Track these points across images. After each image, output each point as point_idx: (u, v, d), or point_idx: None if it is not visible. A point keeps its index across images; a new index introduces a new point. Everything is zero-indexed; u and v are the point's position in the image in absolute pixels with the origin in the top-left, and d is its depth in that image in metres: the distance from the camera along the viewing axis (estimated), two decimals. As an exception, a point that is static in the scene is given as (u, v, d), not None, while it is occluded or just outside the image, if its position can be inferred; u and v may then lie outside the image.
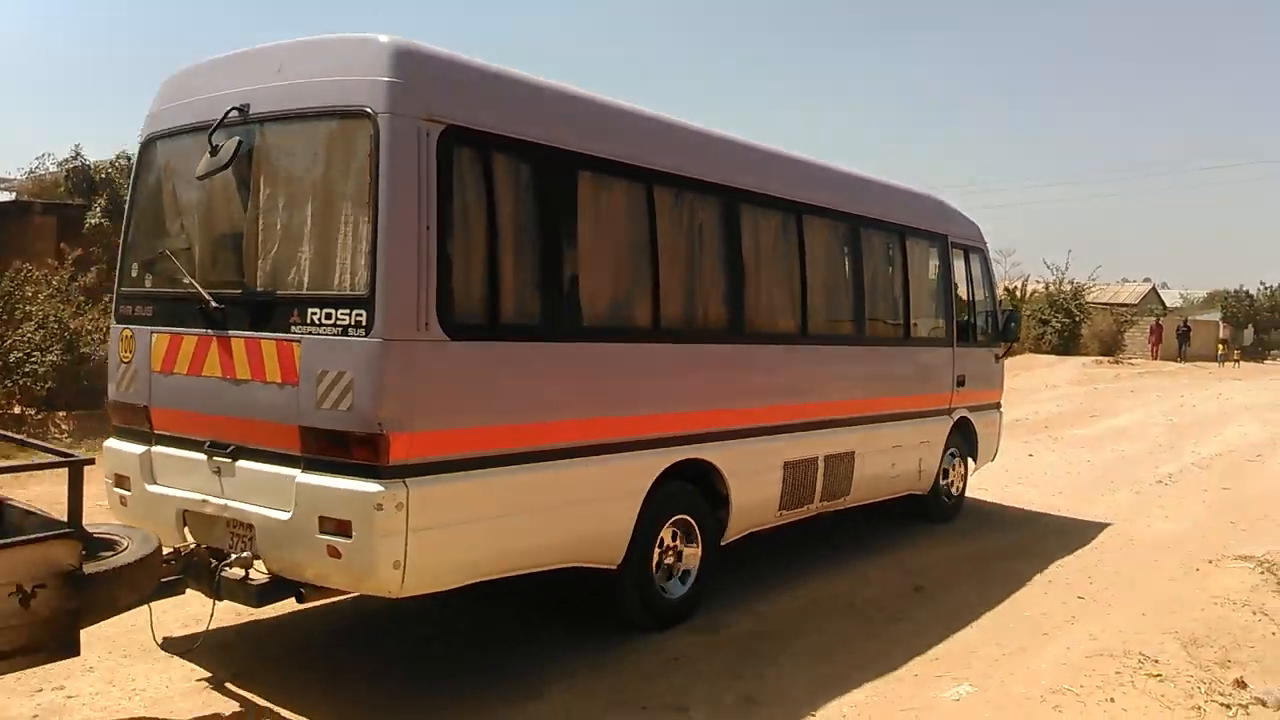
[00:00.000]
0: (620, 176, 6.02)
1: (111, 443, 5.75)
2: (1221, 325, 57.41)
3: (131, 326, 5.75)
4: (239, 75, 5.38)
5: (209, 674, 5.30)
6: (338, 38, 5.17)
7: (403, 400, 4.70)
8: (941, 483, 9.72)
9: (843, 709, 5.16)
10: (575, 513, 5.59)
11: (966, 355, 9.91)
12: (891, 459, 8.66)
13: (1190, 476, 13.12)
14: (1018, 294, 44.05)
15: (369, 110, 4.75)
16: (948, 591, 7.31)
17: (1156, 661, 5.84)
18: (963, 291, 10.07)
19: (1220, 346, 49.70)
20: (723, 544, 6.74)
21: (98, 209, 15.23)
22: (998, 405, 10.95)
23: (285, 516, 4.81)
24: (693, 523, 6.40)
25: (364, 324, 4.65)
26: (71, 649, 4.06)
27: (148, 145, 5.90)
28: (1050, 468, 13.41)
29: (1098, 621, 6.68)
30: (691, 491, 6.38)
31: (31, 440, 5.51)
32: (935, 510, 9.72)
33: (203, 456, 5.20)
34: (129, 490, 5.55)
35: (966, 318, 10.06)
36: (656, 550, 6.13)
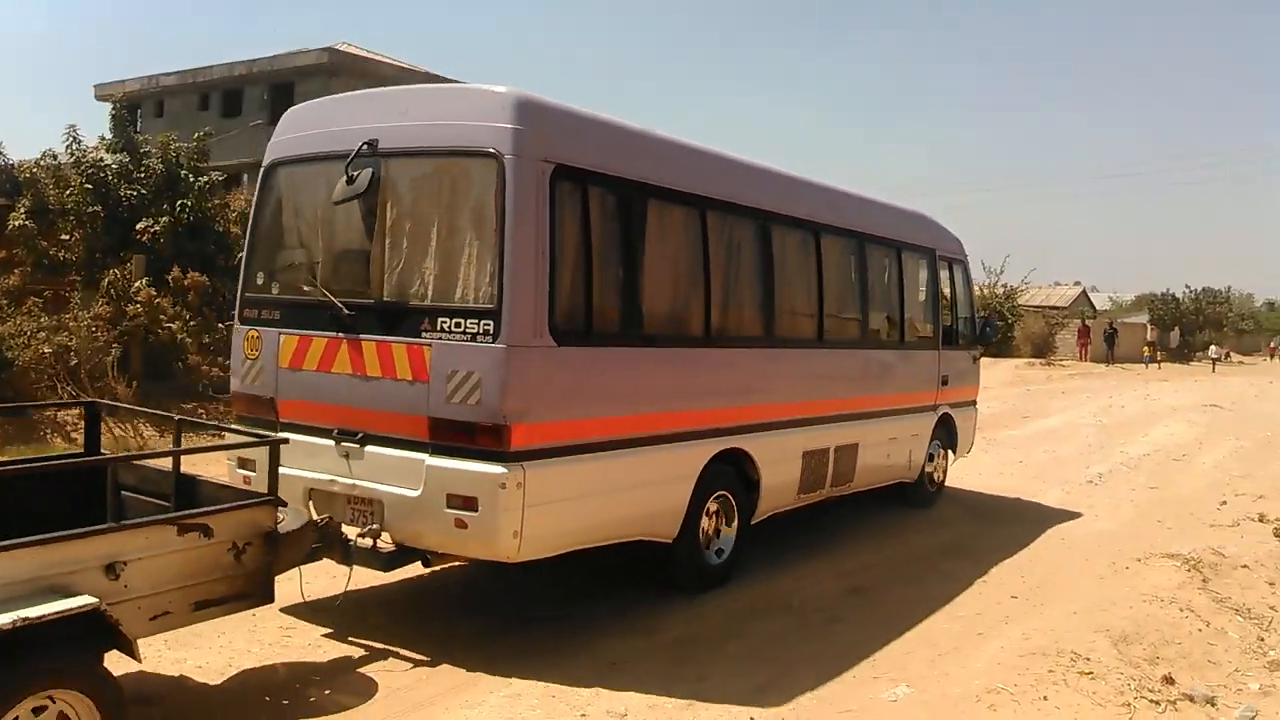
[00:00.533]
0: (686, 205, 6.93)
1: (238, 429, 6.30)
2: (1149, 328, 58.76)
3: (257, 328, 6.51)
4: (366, 114, 6.27)
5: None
6: (462, 87, 6.44)
7: (522, 397, 5.58)
8: (927, 470, 10.63)
9: (782, 711, 5.17)
10: (647, 492, 6.51)
11: (950, 357, 10.94)
12: (888, 450, 9.65)
13: (1119, 476, 13.38)
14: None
15: (495, 151, 5.60)
16: (884, 592, 7.36)
17: (1088, 659, 5.92)
18: (947, 299, 11.11)
19: (1145, 348, 50.92)
20: (752, 522, 7.62)
21: (21, 210, 14.82)
22: (974, 402, 12.00)
23: (414, 494, 5.68)
24: (732, 502, 7.35)
25: (491, 332, 5.52)
26: (269, 596, 4.85)
27: (271, 170, 6.68)
28: (985, 469, 13.57)
29: (1031, 621, 6.77)
30: (732, 475, 7.30)
31: (225, 425, 6.58)
32: (921, 496, 10.66)
33: (330, 442, 5.98)
34: (254, 471, 6.13)
35: (950, 323, 11.09)
36: (703, 525, 7.03)
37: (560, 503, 5.86)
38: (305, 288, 6.28)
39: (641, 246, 6.59)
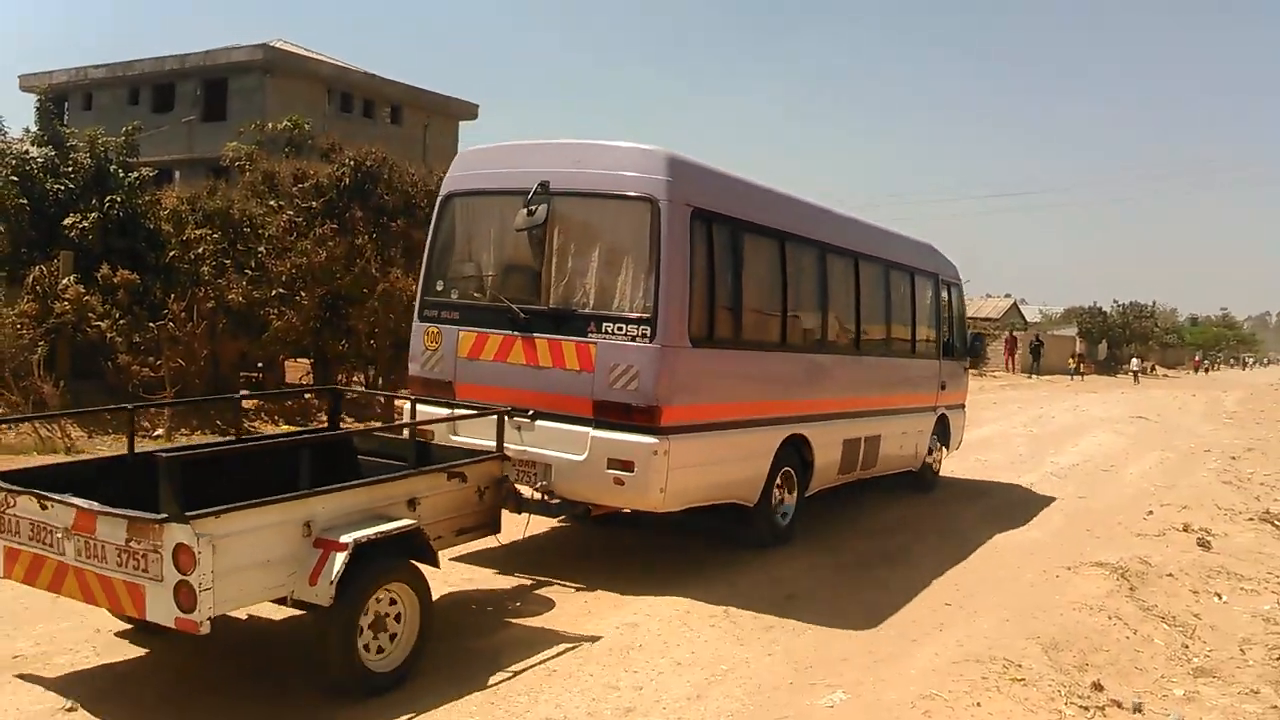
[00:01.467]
0: (772, 238, 8.71)
1: (419, 406, 7.61)
2: (1078, 340, 60.00)
3: (436, 325, 8.13)
4: (539, 160, 7.85)
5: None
6: (625, 145, 7.72)
7: (669, 386, 7.24)
8: (928, 460, 12.44)
9: (720, 717, 5.16)
10: (742, 464, 8.21)
11: (947, 366, 12.89)
12: (900, 442, 11.45)
13: (1048, 486, 13.62)
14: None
15: (652, 197, 7.30)
16: (820, 600, 7.39)
17: (1020, 666, 6.01)
18: (946, 317, 12.99)
19: (1070, 360, 51.99)
20: (806, 495, 9.22)
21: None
22: (963, 405, 13.99)
23: (580, 458, 7.32)
24: (794, 477, 8.99)
25: (648, 335, 7.20)
26: (498, 529, 6.48)
27: (448, 199, 8.38)
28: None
29: (964, 628, 6.85)
30: (794, 455, 8.92)
31: (457, 402, 7.73)
32: (924, 482, 12.48)
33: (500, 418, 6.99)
34: (432, 440, 7.15)
35: (948, 337, 12.96)
36: (774, 494, 8.65)
37: (690, 468, 7.49)
38: (479, 294, 8.14)
39: (742, 270, 8.29)
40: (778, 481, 8.72)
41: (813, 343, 9.58)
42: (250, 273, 15.59)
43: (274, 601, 5.15)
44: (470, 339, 7.96)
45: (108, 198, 14.65)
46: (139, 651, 5.77)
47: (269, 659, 5.89)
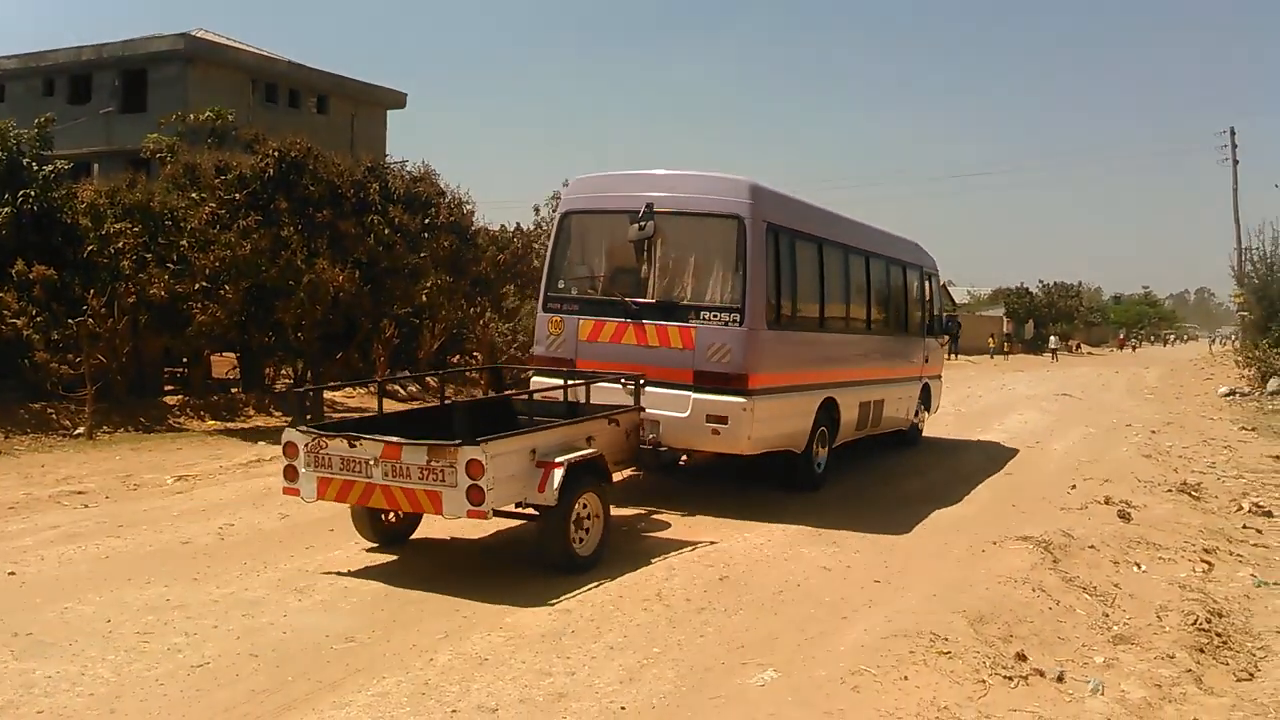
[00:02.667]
0: (814, 243, 11.26)
1: (538, 378, 10.19)
2: (1005, 320, 61.04)
3: (559, 315, 10.41)
4: (642, 187, 10.17)
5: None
6: (714, 175, 10.25)
7: (753, 359, 9.64)
8: (914, 421, 15.34)
9: (652, 700, 5.18)
10: (796, 420, 10.64)
11: (929, 343, 15.89)
12: (896, 406, 14.10)
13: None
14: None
15: (739, 215, 9.71)
16: (752, 580, 7.46)
17: (946, 640, 6.11)
18: (928, 302, 15.81)
19: (990, 340, 52.87)
20: (834, 445, 11.70)
21: None
22: (940, 376, 16.87)
23: (683, 415, 9.60)
24: (826, 433, 11.41)
25: (738, 321, 9.59)
26: (638, 464, 9.31)
27: (566, 216, 10.74)
28: (850, 455, 13.90)
29: (893, 604, 6.96)
30: (827, 415, 11.29)
31: (603, 373, 9.55)
32: (909, 440, 15.30)
33: (618, 386, 9.21)
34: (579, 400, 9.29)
35: (929, 319, 15.81)
36: (813, 444, 11.04)
37: (766, 421, 9.89)
38: (593, 291, 10.53)
39: (798, 269, 10.76)
40: (813, 438, 11.03)
41: (841, 326, 12.13)
42: (173, 266, 15.30)
43: (503, 513, 7.69)
44: (589, 325, 10.27)
45: (21, 192, 14.26)
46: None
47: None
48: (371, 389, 19.46)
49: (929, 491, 11.50)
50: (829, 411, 11.30)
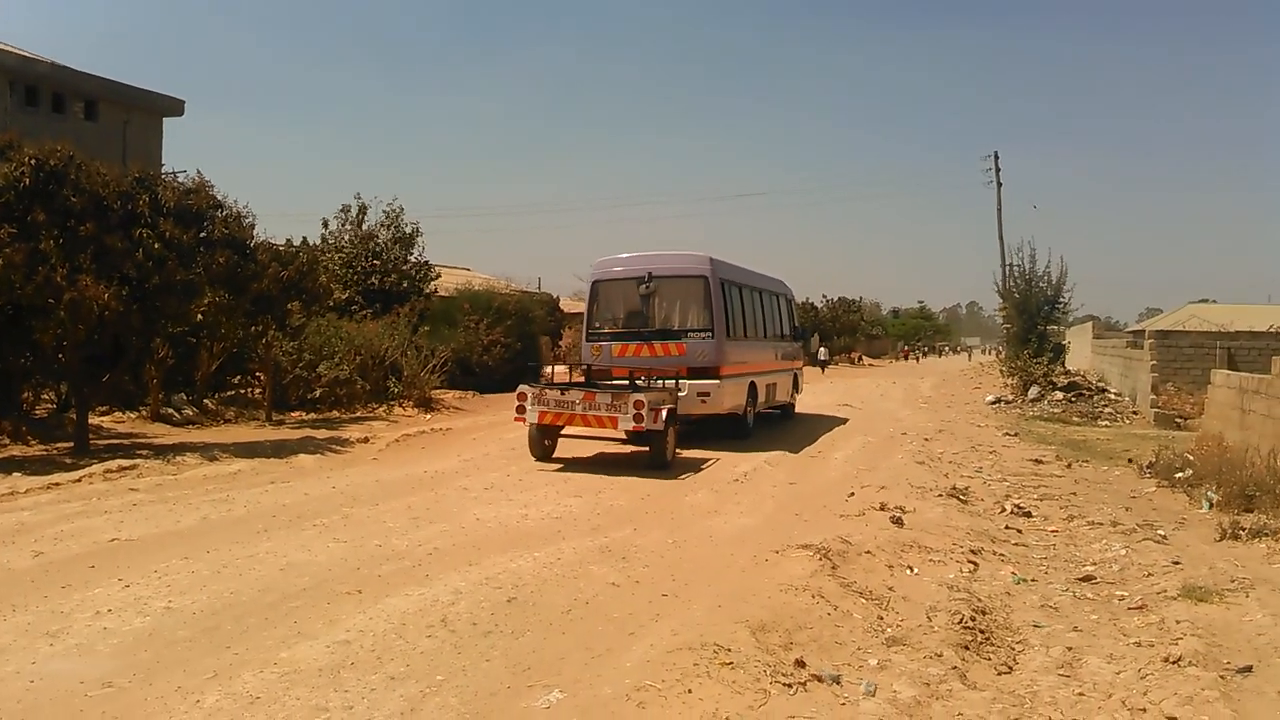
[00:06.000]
0: (742, 288, 19.16)
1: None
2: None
3: (598, 342, 17.55)
4: (644, 262, 17.49)
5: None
6: (688, 253, 17.64)
7: (720, 357, 17.01)
8: (791, 400, 23.34)
9: (433, 731, 5.06)
10: (740, 394, 18.05)
11: (796, 346, 23.81)
12: (782, 388, 21.76)
13: (762, 474, 14.28)
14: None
15: (705, 275, 17.20)
16: (541, 600, 7.39)
17: (729, 650, 6.21)
18: (791, 317, 23.76)
19: None
20: (756, 411, 19.22)
21: None
22: (802, 369, 25.03)
23: (682, 394, 15.46)
24: (751, 402, 18.74)
25: (709, 337, 17.02)
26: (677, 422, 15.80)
27: (596, 283, 17.92)
28: (640, 473, 14.07)
29: (679, 617, 7.03)
30: (752, 390, 18.68)
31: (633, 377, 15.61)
32: (788, 413, 23.17)
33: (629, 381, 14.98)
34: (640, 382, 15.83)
35: (794, 329, 23.78)
36: (748, 409, 18.46)
37: (728, 394, 17.20)
38: (616, 326, 17.54)
39: (734, 304, 18.14)
40: (746, 404, 18.37)
41: (756, 336, 19.70)
42: (-89, 283, 13.96)
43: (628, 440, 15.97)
44: (617, 347, 17.36)
45: None
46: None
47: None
48: (143, 412, 18.46)
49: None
50: (753, 389, 18.74)
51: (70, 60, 37.55)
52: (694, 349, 16.76)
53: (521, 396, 14.17)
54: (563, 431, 14.72)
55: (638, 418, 13.49)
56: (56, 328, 14.07)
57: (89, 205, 14.78)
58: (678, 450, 15.20)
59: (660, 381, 15.08)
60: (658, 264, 17.25)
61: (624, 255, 17.67)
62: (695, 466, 14.71)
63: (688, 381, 15.98)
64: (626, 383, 14.57)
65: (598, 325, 17.60)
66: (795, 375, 23.31)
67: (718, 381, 16.65)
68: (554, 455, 15.14)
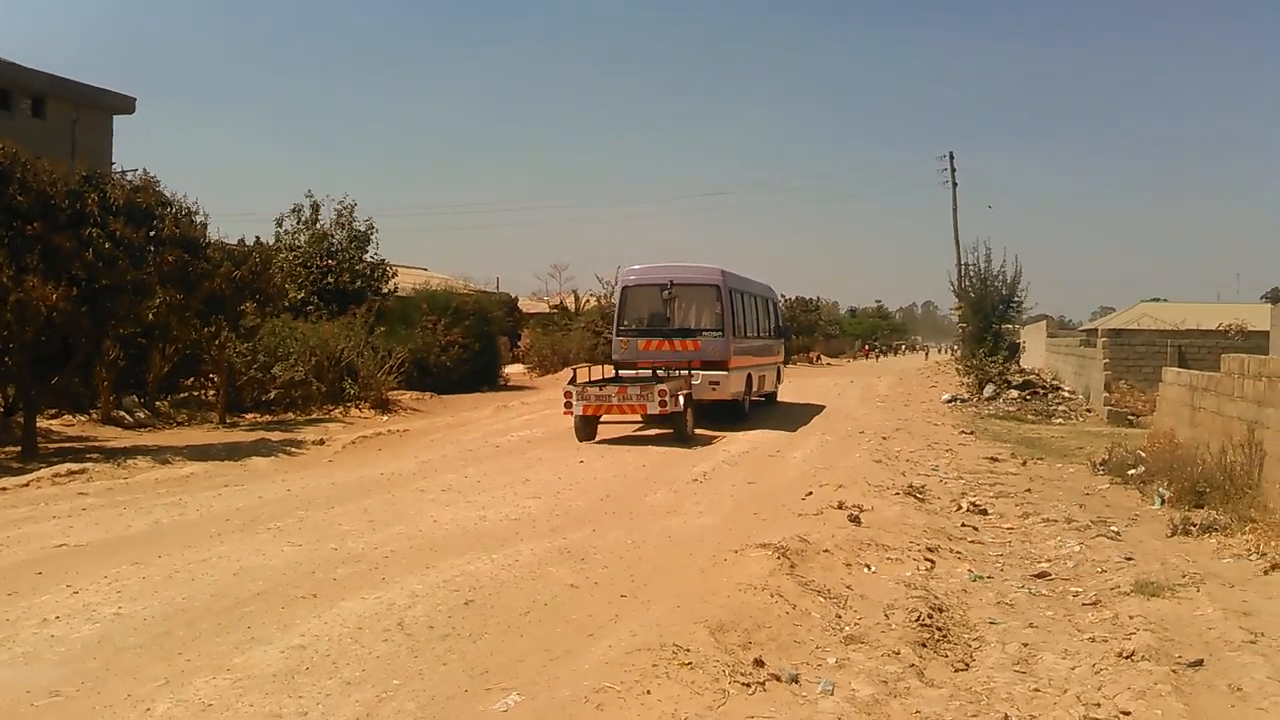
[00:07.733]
0: (745, 295, 23.15)
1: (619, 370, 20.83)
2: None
3: (626, 338, 21.07)
4: (665, 272, 21.26)
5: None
6: (703, 266, 21.66)
7: (728, 352, 20.81)
8: (774, 390, 26.61)
9: (389, 736, 5.00)
10: (741, 382, 21.76)
11: (778, 343, 27.24)
12: (768, 379, 25.25)
13: (721, 473, 14.29)
14: (573, 307, 45.78)
15: (717, 284, 21.02)
16: (499, 602, 7.34)
17: (688, 650, 6.18)
18: (775, 316, 26.87)
19: None
20: (750, 398, 23.02)
21: None
22: (784, 363, 29.17)
23: (696, 382, 19.33)
24: (747, 390, 22.52)
25: (721, 335, 20.72)
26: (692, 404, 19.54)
27: (626, 288, 21.60)
28: (599, 473, 14.06)
29: (638, 617, 7.00)
30: (750, 380, 22.68)
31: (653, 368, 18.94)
32: (771, 400, 26.43)
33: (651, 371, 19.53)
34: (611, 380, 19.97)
35: (778, 328, 27.14)
36: (745, 396, 22.27)
37: (734, 382, 21.04)
38: (641, 324, 21.12)
39: (739, 308, 21.92)
40: (745, 392, 21.86)
41: (752, 334, 23.22)
42: None
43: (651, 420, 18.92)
44: (643, 342, 20.63)
45: None
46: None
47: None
48: (93, 415, 18.17)
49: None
50: (749, 379, 22.30)
51: (17, 56, 36.71)
52: (707, 345, 20.35)
53: (567, 395, 17.53)
54: (600, 419, 18.24)
55: (662, 403, 17.01)
56: (2, 329, 13.83)
57: (36, 204, 14.53)
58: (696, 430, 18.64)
59: (676, 372, 18.53)
60: (678, 274, 21.01)
61: (650, 265, 21.60)
62: (707, 440, 18.38)
63: (701, 372, 19.66)
64: (649, 374, 18.54)
65: (626, 324, 21.14)
66: (779, 368, 27.54)
67: (726, 373, 20.40)
68: (595, 438, 18.30)
